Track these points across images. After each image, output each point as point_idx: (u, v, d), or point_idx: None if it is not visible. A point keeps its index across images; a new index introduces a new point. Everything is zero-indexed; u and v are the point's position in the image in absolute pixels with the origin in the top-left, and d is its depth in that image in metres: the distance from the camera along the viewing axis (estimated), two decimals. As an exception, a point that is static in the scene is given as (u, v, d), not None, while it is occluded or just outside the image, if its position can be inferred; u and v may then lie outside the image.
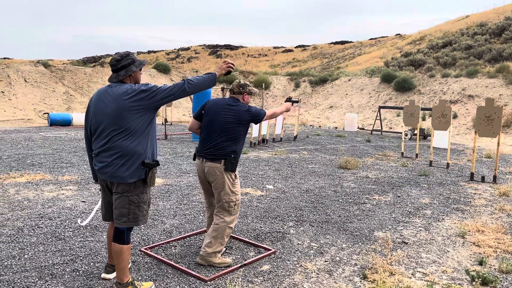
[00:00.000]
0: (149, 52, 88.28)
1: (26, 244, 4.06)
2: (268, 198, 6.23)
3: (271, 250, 4.14)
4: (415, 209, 5.99)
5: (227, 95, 4.13)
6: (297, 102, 4.54)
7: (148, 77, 26.61)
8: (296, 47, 77.32)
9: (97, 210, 5.25)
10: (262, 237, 4.55)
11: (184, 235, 4.48)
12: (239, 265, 3.76)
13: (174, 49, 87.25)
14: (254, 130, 12.47)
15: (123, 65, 3.09)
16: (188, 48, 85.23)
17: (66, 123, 17.58)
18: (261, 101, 28.18)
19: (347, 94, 26.57)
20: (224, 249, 4.13)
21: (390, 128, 20.62)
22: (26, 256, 3.80)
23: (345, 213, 5.62)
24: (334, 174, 8.45)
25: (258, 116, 3.85)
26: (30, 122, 18.40)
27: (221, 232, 3.77)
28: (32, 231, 4.43)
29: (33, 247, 4.00)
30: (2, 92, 19.78)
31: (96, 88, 23.45)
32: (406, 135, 16.49)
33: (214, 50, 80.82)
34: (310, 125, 22.33)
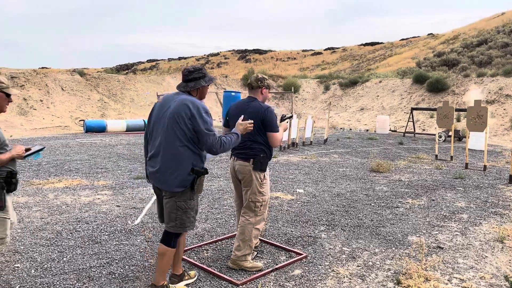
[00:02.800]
0: (179, 58, 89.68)
1: (64, 247, 4.21)
2: (298, 202, 6.21)
3: (302, 254, 4.13)
4: (451, 213, 5.83)
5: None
6: (290, 117, 4.47)
7: (178, 83, 27.05)
8: (325, 49, 76.79)
9: (148, 209, 5.38)
10: (293, 241, 4.54)
11: (216, 239, 4.53)
12: (271, 269, 3.77)
13: (204, 55, 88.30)
14: (284, 134, 12.45)
15: (194, 78, 3.20)
16: (217, 54, 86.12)
17: (101, 129, 18.07)
18: (290, 104, 28.15)
19: (378, 96, 26.17)
20: (256, 253, 4.15)
21: (423, 130, 20.15)
22: (64, 259, 3.94)
23: (377, 217, 5.53)
24: (366, 178, 8.33)
25: (270, 127, 3.79)
26: (67, 129, 19.02)
27: (248, 234, 3.79)
28: (70, 234, 4.59)
29: (71, 250, 4.14)
30: (41, 101, 20.56)
31: (129, 95, 24.06)
32: (440, 137, 16.07)
33: (243, 55, 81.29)
34: (341, 128, 22.10)
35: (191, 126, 3.04)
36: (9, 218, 3.09)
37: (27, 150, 3.25)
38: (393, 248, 4.39)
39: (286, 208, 5.88)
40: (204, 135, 3.05)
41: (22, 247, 4.20)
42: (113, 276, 3.59)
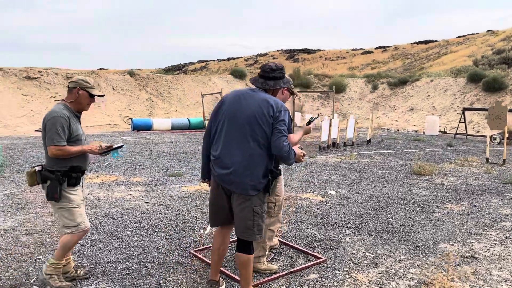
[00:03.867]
0: (228, 59, 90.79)
1: (87, 241, 4.30)
2: (328, 204, 6.02)
3: (321, 258, 3.97)
4: (493, 220, 5.42)
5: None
6: (316, 118, 4.23)
7: (225, 83, 27.34)
8: (376, 48, 74.80)
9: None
10: (315, 244, 4.39)
11: (234, 239, 4.46)
12: (285, 272, 3.65)
13: (253, 55, 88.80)
14: (323, 134, 12.21)
15: (275, 76, 3.08)
16: (266, 54, 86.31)
17: (147, 127, 18.60)
18: (336, 104, 27.64)
19: (428, 95, 25.09)
20: (273, 255, 4.05)
21: (477, 131, 19.06)
22: (85, 252, 4.02)
23: (409, 222, 5.24)
24: (405, 180, 7.96)
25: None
26: (116, 127, 19.74)
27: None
28: (95, 229, 4.69)
29: (93, 245, 4.23)
30: (93, 100, 21.48)
31: (176, 95, 24.60)
32: (494, 139, 15.14)
33: (292, 54, 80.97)
34: (388, 129, 21.40)
35: (273, 126, 2.89)
36: (75, 207, 3.22)
37: (108, 147, 3.31)
38: (421, 256, 4.13)
39: (314, 209, 5.71)
40: (278, 134, 2.86)
41: (48, 239, 4.34)
42: (127, 272, 3.62)
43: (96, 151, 3.26)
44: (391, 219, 5.33)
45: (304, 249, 4.19)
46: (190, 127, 19.40)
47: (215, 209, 3.14)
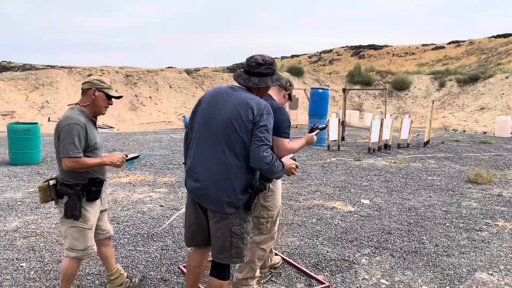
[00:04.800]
0: (292, 56, 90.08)
1: (80, 248, 4.08)
2: (355, 216, 5.39)
3: (324, 284, 3.43)
4: (553, 244, 4.52)
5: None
6: (324, 128, 3.62)
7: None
8: (449, 43, 70.31)
9: (173, 219, 5.14)
10: (323, 264, 3.84)
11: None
12: (275, 299, 3.16)
13: (317, 52, 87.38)
14: (373, 135, 11.36)
15: (261, 73, 2.56)
16: (330, 50, 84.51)
17: (198, 125, 18.64)
18: (398, 103, 26.17)
19: (503, 93, 22.90)
20: (270, 276, 3.57)
21: (558, 134, 16.99)
22: (72, 261, 3.79)
23: (446, 241, 4.50)
24: (456, 190, 7.05)
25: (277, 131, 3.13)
26: (171, 124, 20.03)
27: (250, 255, 3.21)
28: (95, 234, 4.48)
29: (84, 252, 3.99)
30: (150, 97, 22.00)
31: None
32: None
33: (357, 51, 78.53)
34: (453, 130, 19.77)
35: (252, 132, 2.41)
36: (89, 229, 2.87)
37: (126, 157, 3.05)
38: (448, 287, 3.44)
39: (337, 222, 5.12)
40: (257, 142, 2.38)
41: (42, 244, 4.19)
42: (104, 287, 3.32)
43: (117, 163, 2.90)
44: (424, 237, 4.62)
45: (307, 271, 3.66)
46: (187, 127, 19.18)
47: (191, 228, 2.70)
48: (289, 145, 3.15)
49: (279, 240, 4.42)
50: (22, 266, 3.65)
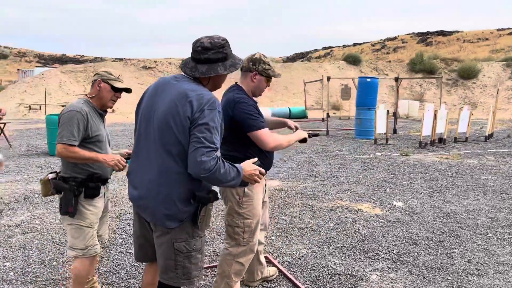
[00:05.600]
0: (354, 44, 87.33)
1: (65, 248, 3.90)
2: (381, 221, 4.78)
3: (317, 304, 2.94)
4: None
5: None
6: (316, 135, 3.26)
7: (336, 69, 25.93)
8: (529, 26, 64.48)
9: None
10: (325, 280, 3.34)
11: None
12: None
13: (380, 40, 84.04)
14: (425, 127, 10.41)
15: (210, 59, 2.09)
16: (394, 38, 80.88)
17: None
18: (464, 92, 24.26)
19: None
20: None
21: None
22: (55, 263, 3.60)
23: (482, 257, 3.80)
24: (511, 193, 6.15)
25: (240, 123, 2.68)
26: (220, 115, 19.96)
27: (226, 269, 2.81)
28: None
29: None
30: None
31: (283, 83, 24.02)
32: None
33: (424, 37, 74.40)
34: (526, 122, 17.90)
35: (190, 132, 2.00)
36: (88, 227, 2.70)
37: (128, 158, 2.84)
38: (470, 318, 2.82)
39: (357, 227, 4.55)
40: (195, 144, 1.95)
41: (36, 242, 4.06)
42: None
43: (111, 164, 2.63)
44: (456, 250, 3.94)
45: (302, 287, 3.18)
46: (290, 116, 18.64)
47: (139, 241, 2.34)
48: (271, 136, 2.71)
49: (283, 248, 3.97)
50: (5, 266, 3.51)
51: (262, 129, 2.70)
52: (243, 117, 2.68)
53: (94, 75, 2.83)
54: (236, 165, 2.11)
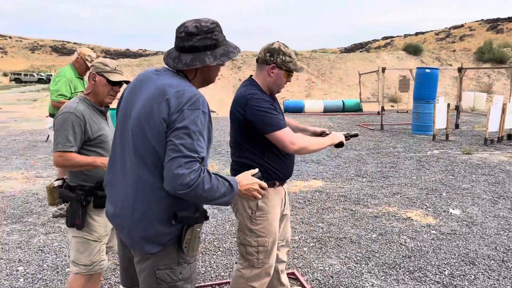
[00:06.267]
0: (416, 34, 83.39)
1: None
2: (433, 233, 4.17)
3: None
4: None
5: None
6: (356, 136, 2.75)
7: (395, 60, 24.64)
8: None
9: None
10: (358, 305, 2.85)
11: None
12: None
13: (445, 28, 79.52)
14: (492, 122, 9.38)
15: (195, 46, 1.71)
16: (461, 26, 76.15)
17: (298, 110, 17.86)
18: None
19: None
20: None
21: None
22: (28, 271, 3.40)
23: (558, 285, 3.13)
24: None
25: (256, 124, 2.27)
26: (271, 108, 19.58)
27: None
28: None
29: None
30: (253, 81, 21.86)
31: (338, 74, 23.19)
32: None
33: (494, 24, 69.32)
34: None
35: (166, 137, 1.63)
36: (96, 241, 2.45)
37: None
38: None
39: (404, 240, 3.98)
40: (171, 153, 1.57)
41: (55, 244, 3.89)
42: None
43: (105, 168, 2.31)
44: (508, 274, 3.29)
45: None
46: (344, 109, 17.89)
47: (124, 264, 2.01)
48: (295, 137, 2.28)
49: (315, 262, 3.51)
50: (17, 271, 3.35)
51: (283, 128, 2.27)
52: (257, 116, 2.27)
53: (90, 67, 2.52)
54: (229, 178, 1.71)
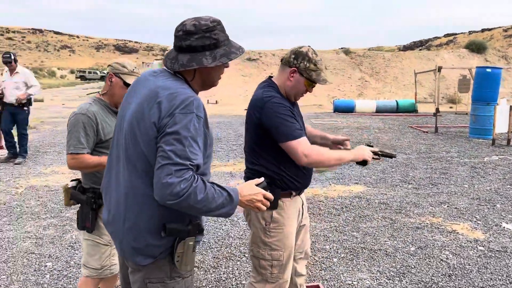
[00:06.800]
0: (482, 30, 78.77)
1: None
2: (481, 249, 3.79)
3: None
4: None
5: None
6: (390, 157, 2.40)
7: (456, 59, 23.34)
8: None
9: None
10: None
11: None
12: None
13: (515, 23, 74.39)
14: (501, 123, 8.54)
15: (192, 46, 1.59)
16: (533, 21, 71.03)
17: (349, 110, 17.39)
18: None
19: None
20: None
21: None
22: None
23: None
24: None
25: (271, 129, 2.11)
26: (321, 107, 19.21)
27: None
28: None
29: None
30: (304, 80, 21.57)
31: (393, 73, 22.35)
32: None
33: None
34: None
35: (157, 143, 1.53)
36: (106, 245, 2.41)
37: None
38: None
39: (446, 256, 3.65)
40: (161, 160, 1.46)
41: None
42: None
43: None
44: None
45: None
46: (398, 110, 17.17)
47: (122, 271, 1.89)
48: (311, 148, 2.09)
49: (344, 275, 3.30)
50: (45, 266, 3.42)
51: (298, 138, 2.10)
52: (273, 122, 2.12)
53: (108, 66, 2.48)
54: (228, 187, 1.58)
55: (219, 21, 1.65)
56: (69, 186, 2.49)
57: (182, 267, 1.64)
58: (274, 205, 2.18)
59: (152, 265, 1.62)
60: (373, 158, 2.30)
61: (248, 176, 2.28)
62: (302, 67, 2.17)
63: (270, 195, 1.68)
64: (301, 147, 2.08)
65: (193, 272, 1.77)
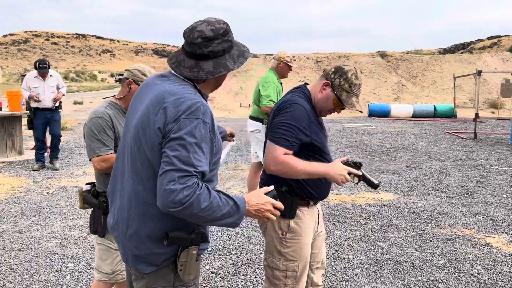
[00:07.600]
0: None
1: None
2: (509, 264, 3.56)
3: None
4: None
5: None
6: (374, 186, 2.18)
7: (499, 62, 22.37)
8: None
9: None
10: None
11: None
12: None
13: None
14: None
15: (215, 52, 1.55)
16: None
17: (384, 114, 17.02)
18: None
19: None
20: None
21: None
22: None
23: None
24: None
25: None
26: (353, 112, 18.88)
27: None
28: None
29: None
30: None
31: (431, 77, 21.71)
32: None
33: None
34: None
35: (161, 149, 1.49)
36: (118, 250, 2.35)
37: None
38: None
39: (477, 270, 3.44)
40: (165, 165, 1.42)
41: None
42: None
43: None
44: None
45: None
46: (435, 115, 16.63)
47: (128, 277, 1.85)
48: (283, 156, 2.00)
49: (365, 287, 3.16)
50: (67, 267, 3.47)
51: (283, 147, 2.00)
52: (278, 124, 2.07)
53: (125, 71, 2.45)
54: (235, 196, 1.52)
55: (227, 23, 1.62)
56: (83, 190, 2.50)
57: (185, 276, 1.60)
58: (291, 214, 2.12)
59: (155, 273, 1.59)
60: (352, 179, 2.14)
61: (264, 183, 2.21)
62: (337, 83, 2.08)
63: (279, 204, 1.61)
64: (274, 154, 2.01)
65: (198, 281, 1.73)
